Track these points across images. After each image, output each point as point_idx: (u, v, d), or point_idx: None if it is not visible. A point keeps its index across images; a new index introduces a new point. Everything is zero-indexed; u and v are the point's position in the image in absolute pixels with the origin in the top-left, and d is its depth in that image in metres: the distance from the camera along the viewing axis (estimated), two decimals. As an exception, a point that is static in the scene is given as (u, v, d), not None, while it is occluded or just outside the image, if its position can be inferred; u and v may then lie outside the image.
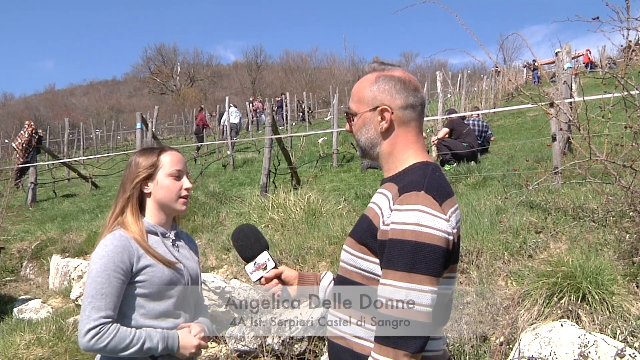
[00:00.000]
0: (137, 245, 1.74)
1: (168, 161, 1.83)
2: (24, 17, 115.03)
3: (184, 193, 1.84)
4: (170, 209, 1.84)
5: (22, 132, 11.60)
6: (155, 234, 1.83)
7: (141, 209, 1.85)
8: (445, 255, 1.26)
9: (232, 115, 18.79)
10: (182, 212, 1.89)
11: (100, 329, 1.63)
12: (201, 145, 17.60)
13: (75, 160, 15.77)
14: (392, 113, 1.40)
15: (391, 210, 1.30)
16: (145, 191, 1.83)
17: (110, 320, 1.66)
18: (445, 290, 1.35)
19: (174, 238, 1.89)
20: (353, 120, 1.47)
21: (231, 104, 19.92)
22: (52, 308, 5.69)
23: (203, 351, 1.98)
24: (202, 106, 20.76)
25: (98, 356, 1.79)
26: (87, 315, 1.64)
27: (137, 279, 1.72)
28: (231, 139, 18.18)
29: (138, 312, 1.73)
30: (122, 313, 1.72)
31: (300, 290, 1.63)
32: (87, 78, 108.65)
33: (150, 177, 1.82)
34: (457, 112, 9.85)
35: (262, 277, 1.61)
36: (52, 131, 28.12)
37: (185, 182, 1.85)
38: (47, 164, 16.24)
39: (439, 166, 1.43)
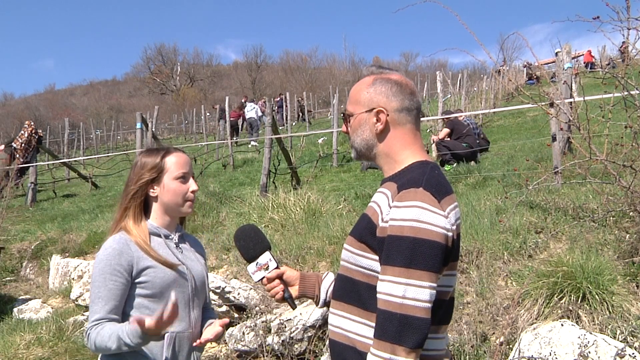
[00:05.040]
0: (137, 247, 1.74)
1: (174, 163, 1.82)
2: (24, 17, 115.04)
3: (191, 196, 1.84)
4: (177, 212, 1.85)
5: (22, 132, 11.61)
6: (159, 235, 1.83)
7: (146, 211, 1.84)
8: (444, 251, 1.26)
9: (250, 111, 18.78)
10: (187, 215, 1.89)
11: (93, 328, 1.67)
12: (235, 138, 18.27)
13: (75, 160, 15.77)
14: (388, 115, 1.42)
15: (390, 207, 1.31)
16: (152, 194, 1.83)
17: (104, 320, 1.67)
18: (445, 288, 1.36)
19: (178, 240, 1.88)
20: (349, 122, 1.48)
21: (251, 101, 20.25)
22: (52, 308, 5.69)
23: (204, 350, 1.97)
24: (242, 104, 21.37)
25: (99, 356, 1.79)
26: (89, 319, 1.69)
27: (139, 280, 1.73)
28: (250, 135, 18.32)
29: (142, 313, 1.72)
30: (126, 314, 1.72)
31: (302, 291, 1.63)
32: (87, 78, 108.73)
33: (155, 180, 1.81)
34: (452, 113, 9.83)
35: (264, 277, 1.61)
36: (52, 131, 28.11)
37: (192, 185, 1.84)
38: (47, 164, 16.24)
39: (438, 165, 1.43)
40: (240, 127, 21.06)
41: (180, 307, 1.78)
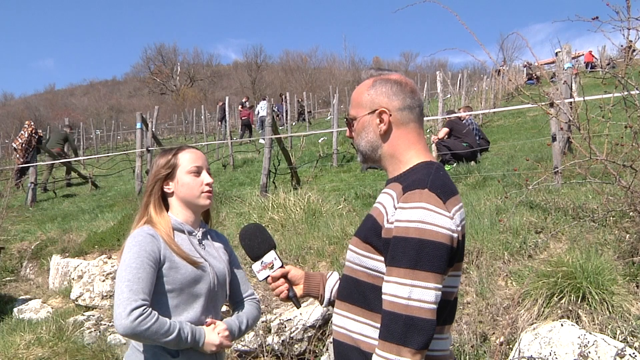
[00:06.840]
0: (162, 241, 1.76)
1: (186, 159, 1.85)
2: (24, 17, 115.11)
3: (206, 188, 1.85)
4: (195, 205, 1.86)
5: (22, 132, 11.61)
6: (182, 231, 1.84)
7: (167, 209, 1.87)
8: (449, 252, 1.26)
9: (263, 109, 18.71)
10: (207, 207, 1.90)
11: (144, 309, 1.62)
12: (245, 136, 18.67)
13: (75, 160, 15.76)
14: (390, 115, 1.42)
15: (395, 209, 1.31)
16: (167, 191, 1.85)
17: (147, 303, 1.65)
18: (450, 289, 1.36)
19: (201, 237, 1.90)
20: (353, 126, 1.49)
21: (263, 99, 20.23)
22: (52, 308, 5.69)
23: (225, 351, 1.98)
24: (245, 102, 21.34)
25: (132, 343, 1.79)
26: (127, 297, 1.61)
27: (161, 273, 1.74)
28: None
29: (162, 309, 1.73)
30: None
31: (307, 290, 1.64)
32: (87, 78, 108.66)
33: (169, 176, 1.84)
34: (455, 112, 9.84)
35: (268, 276, 1.61)
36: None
37: (206, 177, 1.86)
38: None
39: (443, 166, 1.44)
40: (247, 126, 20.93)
41: (199, 304, 1.79)
